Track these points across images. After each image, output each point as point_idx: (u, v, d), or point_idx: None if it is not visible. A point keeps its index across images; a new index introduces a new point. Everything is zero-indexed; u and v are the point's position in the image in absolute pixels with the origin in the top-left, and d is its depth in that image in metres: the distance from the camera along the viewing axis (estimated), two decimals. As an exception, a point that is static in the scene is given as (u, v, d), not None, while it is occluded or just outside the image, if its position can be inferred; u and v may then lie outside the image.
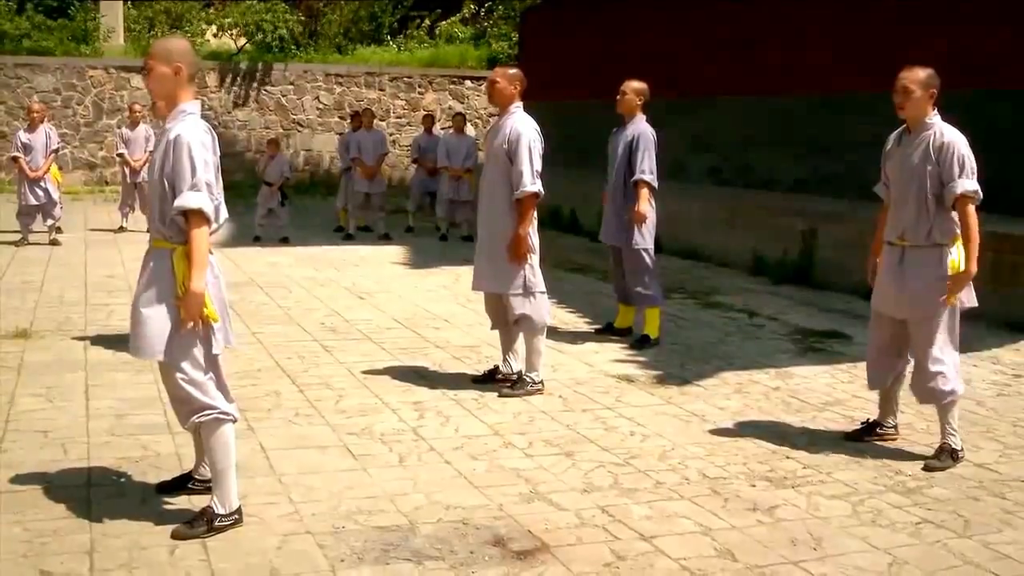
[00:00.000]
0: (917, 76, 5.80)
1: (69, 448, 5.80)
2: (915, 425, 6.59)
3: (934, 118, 5.86)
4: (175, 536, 4.59)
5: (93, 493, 5.18)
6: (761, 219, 13.06)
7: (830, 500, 5.35)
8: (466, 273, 12.26)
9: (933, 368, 5.81)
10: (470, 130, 25.82)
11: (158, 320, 4.58)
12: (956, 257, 5.76)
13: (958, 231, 5.75)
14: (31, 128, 15.07)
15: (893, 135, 6.10)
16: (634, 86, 8.84)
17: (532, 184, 6.98)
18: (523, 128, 7.06)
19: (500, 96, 7.19)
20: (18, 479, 5.33)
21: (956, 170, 5.71)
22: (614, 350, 8.70)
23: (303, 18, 27.76)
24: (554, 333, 8.99)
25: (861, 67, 13.35)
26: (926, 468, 5.81)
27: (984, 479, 5.72)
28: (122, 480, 5.35)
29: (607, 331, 9.17)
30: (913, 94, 5.80)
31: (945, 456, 5.89)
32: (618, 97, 8.90)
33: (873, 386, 6.30)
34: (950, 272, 5.74)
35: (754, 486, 5.53)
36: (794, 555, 4.64)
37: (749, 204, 13.84)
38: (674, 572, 4.44)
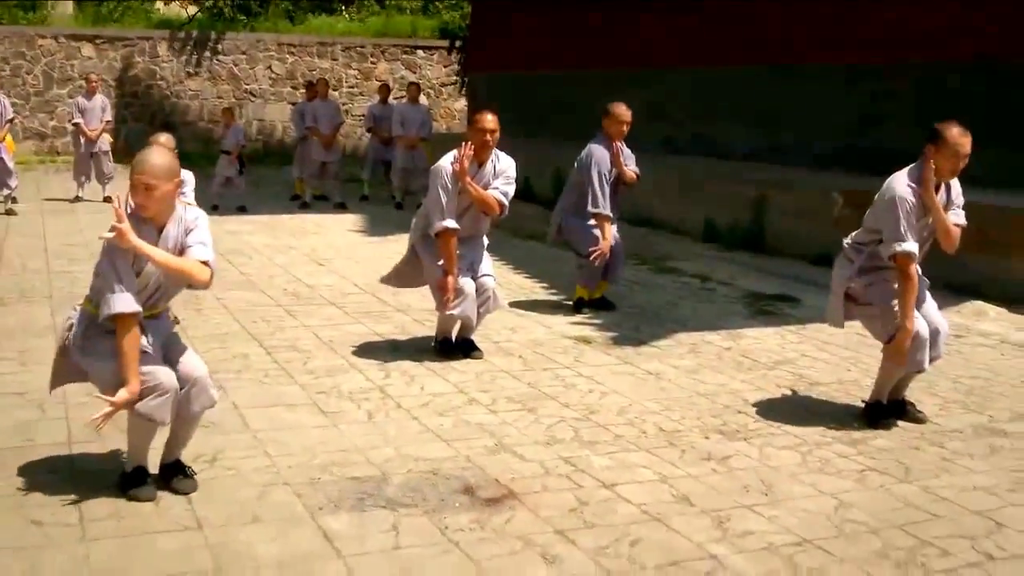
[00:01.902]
0: None
1: (47, 408, 5.96)
2: (861, 382, 6.89)
3: None
4: (185, 491, 4.81)
5: (74, 449, 5.37)
6: (713, 187, 13.34)
7: (780, 451, 5.63)
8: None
9: None
10: (424, 100, 26.01)
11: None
12: None
13: None
14: (-15, 97, 15.06)
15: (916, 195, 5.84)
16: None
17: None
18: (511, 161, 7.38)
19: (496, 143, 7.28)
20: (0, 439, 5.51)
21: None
22: (570, 314, 8.94)
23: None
24: (512, 298, 9.23)
25: (811, 38, 13.64)
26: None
27: (925, 431, 6.03)
28: (102, 436, 5.52)
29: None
30: None
31: None
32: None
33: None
34: None
35: (708, 438, 5.81)
36: (747, 500, 4.92)
37: (701, 173, 14.12)
38: (635, 515, 4.71)
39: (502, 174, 7.30)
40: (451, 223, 7.03)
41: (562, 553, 4.30)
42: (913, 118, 11.48)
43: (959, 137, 5.75)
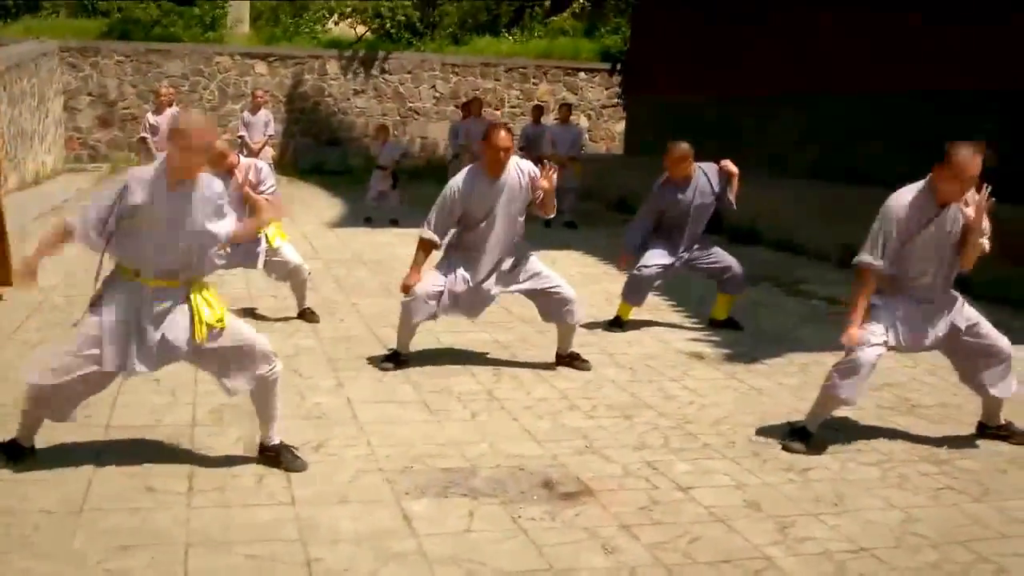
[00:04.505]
0: None
1: (179, 393, 6.49)
2: (964, 407, 6.91)
3: None
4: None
5: (195, 432, 5.85)
6: (854, 213, 13.30)
7: (862, 466, 5.77)
8: (563, 257, 12.83)
9: None
10: (583, 121, 26.39)
11: None
12: None
13: None
14: (159, 111, 15.94)
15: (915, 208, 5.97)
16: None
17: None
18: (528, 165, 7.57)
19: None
20: (132, 416, 6.04)
21: None
22: (692, 331, 9.16)
23: (420, 6, 28.54)
24: (637, 315, 9.43)
25: (961, 64, 13.54)
26: None
27: (1017, 455, 6.07)
28: (221, 421, 6.01)
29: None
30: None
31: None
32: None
33: None
34: None
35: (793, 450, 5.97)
36: (815, 509, 5.10)
37: (843, 199, 14.12)
38: (701, 516, 4.94)
39: (535, 177, 7.42)
40: (433, 236, 7.36)
41: (622, 545, 4.56)
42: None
43: (967, 159, 5.73)
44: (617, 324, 9.15)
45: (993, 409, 6.36)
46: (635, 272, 9.03)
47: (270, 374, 5.22)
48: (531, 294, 7.68)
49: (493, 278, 7.50)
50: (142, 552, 4.31)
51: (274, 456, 5.34)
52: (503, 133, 7.27)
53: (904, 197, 5.99)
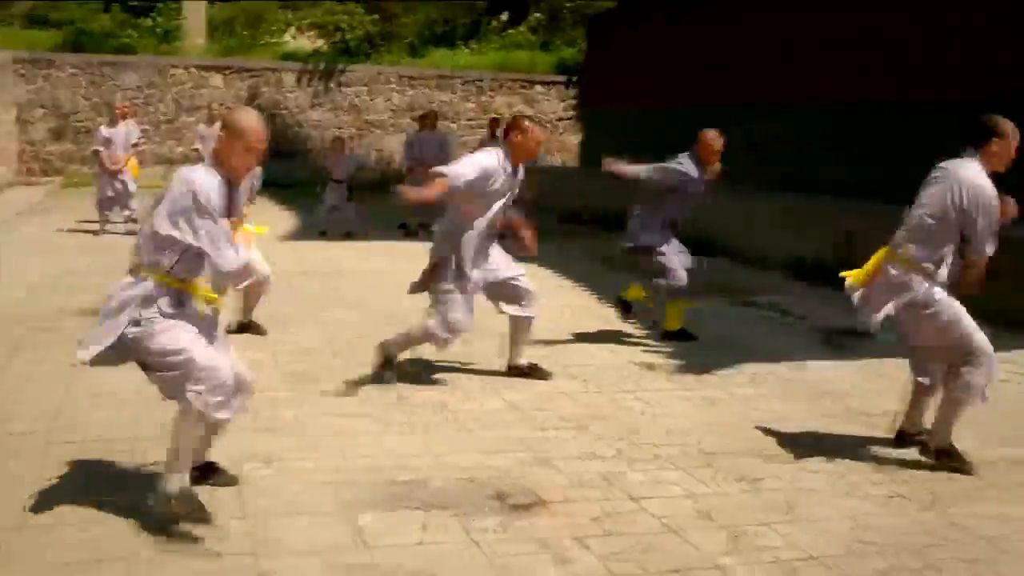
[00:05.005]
0: None
1: (122, 409, 6.43)
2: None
3: None
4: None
5: (143, 445, 5.79)
6: (802, 222, 13.44)
7: (812, 475, 5.81)
8: (527, 271, 12.79)
9: None
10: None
11: None
12: None
13: None
14: (113, 123, 15.83)
15: None
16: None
17: None
18: None
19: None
20: (77, 432, 5.99)
21: None
22: (645, 341, 9.19)
23: (378, 19, 28.56)
24: (597, 327, 9.48)
25: (902, 78, 13.69)
26: None
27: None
28: (167, 435, 5.94)
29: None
30: None
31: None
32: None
33: None
34: None
35: (745, 461, 6.01)
36: (766, 518, 5.13)
37: (791, 208, 14.23)
38: (654, 527, 4.96)
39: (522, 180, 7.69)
40: (459, 184, 7.03)
41: (575, 556, 4.58)
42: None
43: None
44: (628, 309, 9.41)
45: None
46: (673, 282, 9.09)
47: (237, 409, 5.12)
48: (494, 285, 7.67)
49: (478, 270, 7.50)
50: (86, 569, 4.27)
51: (203, 476, 5.25)
52: (538, 127, 7.51)
53: (983, 178, 5.94)
